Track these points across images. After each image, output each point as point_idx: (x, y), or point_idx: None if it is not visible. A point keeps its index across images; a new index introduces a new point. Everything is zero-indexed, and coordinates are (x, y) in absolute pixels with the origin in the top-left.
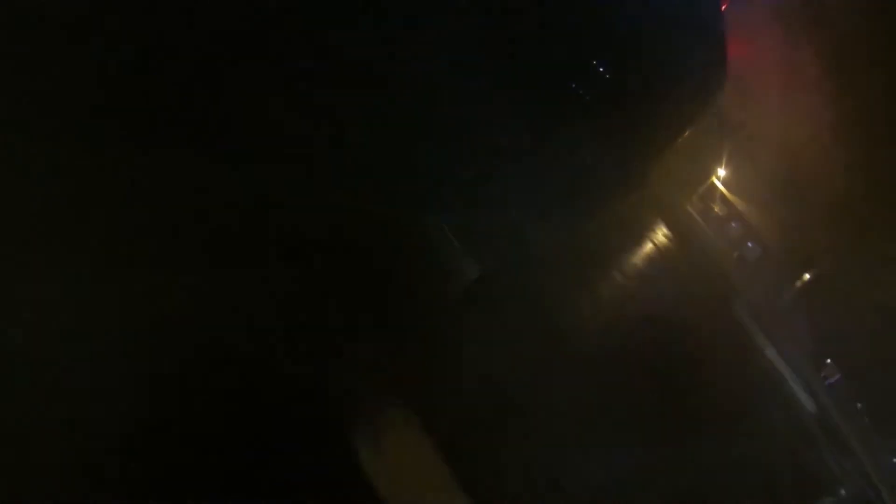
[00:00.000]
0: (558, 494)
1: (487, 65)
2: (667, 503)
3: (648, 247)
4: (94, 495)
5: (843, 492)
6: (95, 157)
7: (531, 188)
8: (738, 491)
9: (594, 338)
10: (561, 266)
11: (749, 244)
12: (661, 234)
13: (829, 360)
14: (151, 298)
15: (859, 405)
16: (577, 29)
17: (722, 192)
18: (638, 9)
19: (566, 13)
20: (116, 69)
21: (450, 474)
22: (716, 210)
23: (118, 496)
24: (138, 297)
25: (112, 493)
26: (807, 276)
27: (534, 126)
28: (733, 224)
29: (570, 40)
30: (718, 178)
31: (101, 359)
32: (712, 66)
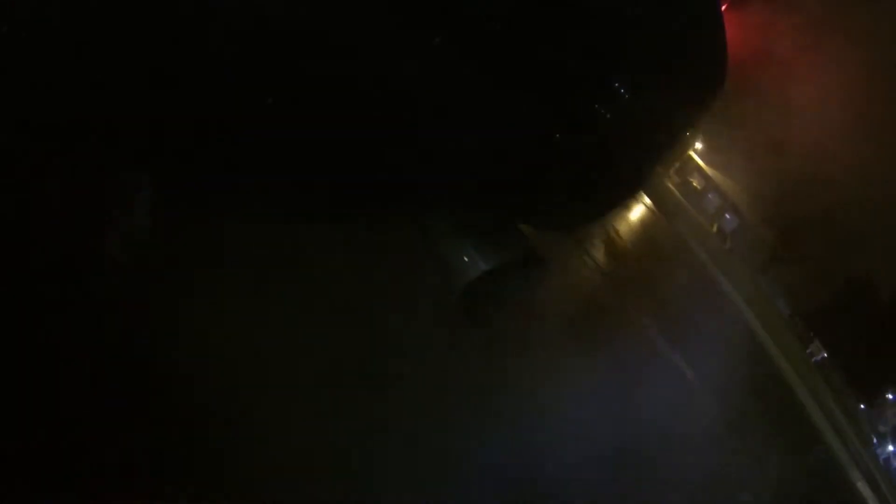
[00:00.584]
0: None
1: (511, 79)
2: None
3: (630, 224)
4: None
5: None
6: None
7: (538, 192)
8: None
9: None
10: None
11: (727, 216)
12: (641, 210)
13: (814, 336)
14: None
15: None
16: (601, 52)
17: (699, 166)
18: (650, 23)
19: (592, 36)
20: None
21: None
22: (693, 184)
23: None
24: None
25: None
26: (782, 247)
27: (549, 138)
28: (710, 196)
29: (595, 63)
30: (695, 152)
31: None
32: (715, 69)
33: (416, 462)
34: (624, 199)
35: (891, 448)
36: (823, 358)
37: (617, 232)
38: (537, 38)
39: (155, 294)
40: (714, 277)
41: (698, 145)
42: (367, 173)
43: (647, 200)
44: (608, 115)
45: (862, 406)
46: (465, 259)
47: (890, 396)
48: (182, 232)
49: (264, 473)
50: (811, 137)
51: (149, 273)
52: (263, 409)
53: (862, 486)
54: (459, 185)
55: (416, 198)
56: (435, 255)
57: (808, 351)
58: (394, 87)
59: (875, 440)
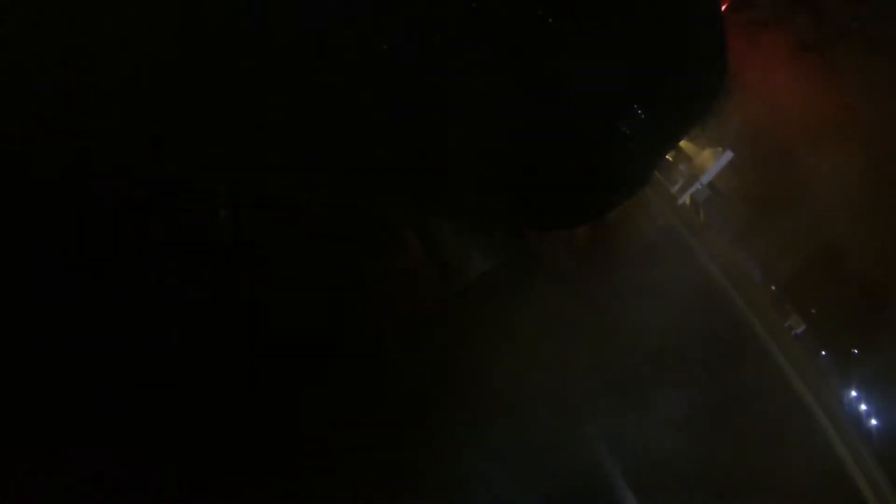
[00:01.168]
0: None
1: (524, 89)
2: None
3: None
4: None
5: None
6: None
7: (540, 195)
8: None
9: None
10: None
11: (698, 185)
12: None
13: (792, 309)
14: None
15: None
16: (624, 78)
17: None
18: (662, 45)
19: (617, 65)
20: None
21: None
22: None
23: None
24: None
25: None
26: (754, 216)
27: (557, 145)
28: (681, 167)
29: (618, 88)
30: None
31: None
32: (716, 71)
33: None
34: (626, 200)
35: (853, 393)
36: (803, 330)
37: None
38: (545, 52)
39: None
40: (692, 249)
41: None
42: (369, 174)
43: None
44: (616, 125)
45: (824, 353)
46: (465, 259)
47: (855, 351)
48: None
49: None
50: (787, 107)
51: None
52: None
53: (827, 426)
54: (461, 186)
55: (417, 199)
56: (435, 256)
57: (787, 324)
58: (396, 86)
59: (839, 387)
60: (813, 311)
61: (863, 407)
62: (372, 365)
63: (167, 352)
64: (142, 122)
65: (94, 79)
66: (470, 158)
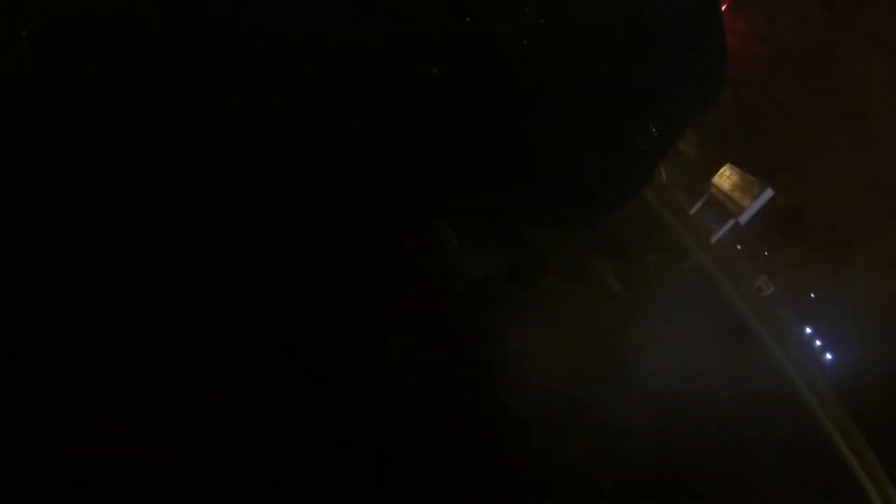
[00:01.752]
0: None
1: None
2: None
3: None
4: None
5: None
6: None
7: (544, 197)
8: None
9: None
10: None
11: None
12: None
13: (763, 275)
14: None
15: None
16: (641, 99)
17: None
18: (672, 61)
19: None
20: None
21: None
22: None
23: None
24: None
25: None
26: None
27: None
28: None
29: (636, 109)
30: None
31: None
32: (716, 71)
33: None
34: (629, 200)
35: (808, 330)
36: (773, 293)
37: None
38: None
39: None
40: (661, 216)
41: None
42: (370, 176)
43: None
44: (624, 130)
45: (772, 289)
46: (468, 259)
47: (812, 295)
48: None
49: None
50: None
51: None
52: None
53: (785, 362)
54: (465, 186)
55: (420, 198)
56: (437, 255)
57: (756, 285)
58: (403, 88)
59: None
60: (766, 253)
61: (818, 343)
62: (375, 366)
63: (171, 351)
64: (141, 120)
65: (93, 75)
66: (476, 160)
